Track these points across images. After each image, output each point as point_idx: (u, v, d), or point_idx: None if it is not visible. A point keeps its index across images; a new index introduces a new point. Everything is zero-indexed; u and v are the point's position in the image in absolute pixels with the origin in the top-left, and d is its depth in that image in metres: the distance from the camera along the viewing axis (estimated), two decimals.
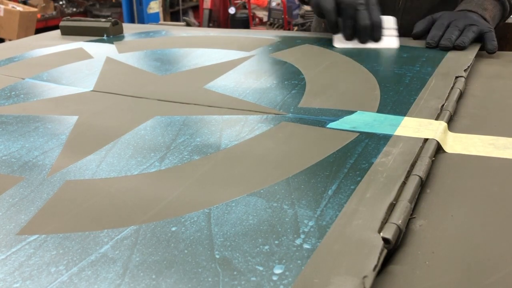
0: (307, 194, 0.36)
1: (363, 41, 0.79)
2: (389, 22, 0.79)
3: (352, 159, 0.41)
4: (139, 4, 4.42)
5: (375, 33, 0.77)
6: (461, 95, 0.56)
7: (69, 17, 1.06)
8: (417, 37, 0.83)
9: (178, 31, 1.02)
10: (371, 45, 0.79)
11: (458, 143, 0.44)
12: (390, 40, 0.79)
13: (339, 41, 0.80)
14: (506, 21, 0.92)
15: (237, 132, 0.48)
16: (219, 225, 0.32)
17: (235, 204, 0.35)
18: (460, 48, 0.75)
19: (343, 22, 0.78)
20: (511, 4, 0.85)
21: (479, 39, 0.77)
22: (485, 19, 0.80)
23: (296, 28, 3.87)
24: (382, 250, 0.28)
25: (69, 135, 0.49)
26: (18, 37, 3.32)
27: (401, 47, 0.77)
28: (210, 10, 3.89)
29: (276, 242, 0.30)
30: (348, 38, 0.79)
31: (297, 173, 0.39)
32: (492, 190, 0.37)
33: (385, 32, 0.78)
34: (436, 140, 0.43)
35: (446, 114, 0.49)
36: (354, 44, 0.79)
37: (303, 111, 0.52)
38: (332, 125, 0.48)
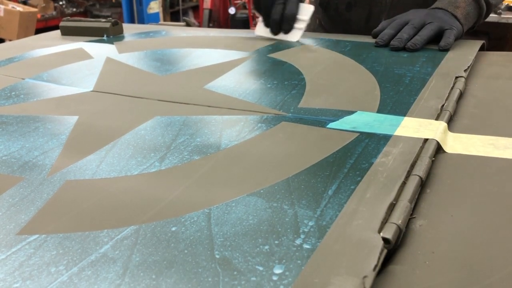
0: (307, 194, 0.36)
1: (272, 31, 0.86)
2: (305, 13, 0.85)
3: (352, 159, 0.41)
4: (139, 4, 4.42)
5: (284, 26, 0.84)
6: (461, 95, 0.56)
7: (69, 17, 1.06)
8: (375, 35, 0.83)
9: (178, 31, 1.02)
10: (277, 37, 0.87)
11: (458, 143, 0.45)
12: (295, 33, 0.85)
13: (260, 28, 0.89)
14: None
15: (237, 132, 0.48)
16: (219, 225, 0.32)
17: (235, 204, 0.35)
18: (411, 50, 0.74)
19: (262, 11, 0.86)
20: (487, 2, 0.83)
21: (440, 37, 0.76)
22: (456, 17, 0.79)
23: None
24: (382, 250, 0.28)
25: (69, 135, 0.49)
26: (18, 37, 3.31)
27: None
28: (210, 10, 3.89)
29: (276, 242, 0.30)
30: (267, 26, 0.87)
31: (297, 173, 0.39)
32: (492, 190, 0.37)
33: (297, 23, 0.85)
34: (436, 140, 0.43)
35: (446, 114, 0.49)
36: (268, 34, 0.87)
37: (303, 111, 0.52)
38: (332, 125, 0.48)
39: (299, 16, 0.85)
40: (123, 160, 0.43)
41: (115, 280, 0.28)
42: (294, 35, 0.86)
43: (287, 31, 0.85)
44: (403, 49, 0.76)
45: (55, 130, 0.51)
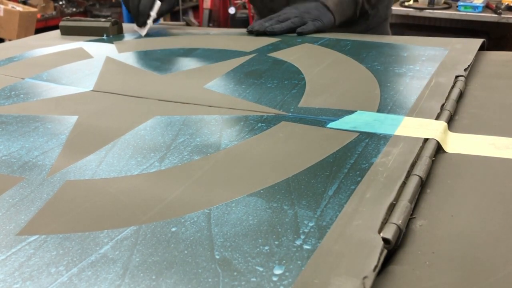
0: (307, 194, 0.36)
1: (137, 24, 0.94)
2: (155, 9, 0.93)
3: (352, 159, 0.41)
4: None
5: (138, 20, 0.93)
6: (461, 95, 0.56)
7: (69, 17, 1.06)
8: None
9: (178, 31, 1.02)
10: (140, 31, 0.95)
11: (458, 143, 0.44)
12: (144, 28, 0.94)
13: (136, 28, 0.97)
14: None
15: (237, 132, 0.48)
16: (219, 226, 0.32)
17: (235, 204, 0.35)
18: (270, 32, 0.88)
19: (124, 4, 0.95)
20: None
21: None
22: (327, 8, 0.92)
23: None
24: (382, 250, 0.28)
25: (69, 135, 0.49)
26: (18, 37, 3.31)
27: (402, 46, 0.77)
28: (210, 10, 3.89)
29: (276, 242, 0.30)
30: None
31: (297, 173, 0.39)
32: (492, 190, 0.37)
33: (150, 18, 0.93)
34: (436, 140, 0.43)
35: (446, 114, 0.49)
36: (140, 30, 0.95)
37: (303, 111, 0.52)
38: (332, 125, 0.48)
39: (151, 12, 0.92)
40: (123, 160, 0.43)
41: (115, 280, 0.28)
42: (143, 30, 0.94)
43: (141, 24, 0.94)
44: (264, 33, 0.88)
45: (55, 130, 0.51)
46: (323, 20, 0.90)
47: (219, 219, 0.33)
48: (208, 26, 3.81)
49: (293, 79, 0.63)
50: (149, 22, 0.93)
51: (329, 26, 0.92)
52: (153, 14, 0.93)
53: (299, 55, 0.75)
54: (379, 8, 1.07)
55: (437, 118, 0.48)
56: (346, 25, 0.96)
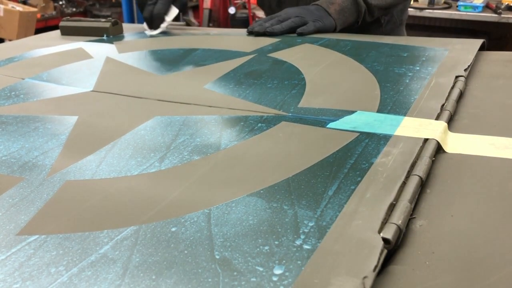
0: (307, 194, 0.36)
1: (149, 27, 0.98)
2: (170, 14, 0.97)
3: (352, 159, 0.41)
4: None
5: (153, 24, 0.96)
6: (461, 95, 0.56)
7: (69, 17, 1.06)
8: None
9: (178, 31, 1.02)
10: (151, 32, 0.98)
11: (458, 143, 0.44)
12: (155, 30, 0.98)
13: (146, 27, 1.00)
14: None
15: (237, 132, 0.48)
16: (219, 226, 0.32)
17: (235, 204, 0.35)
18: (269, 33, 0.88)
19: (139, 8, 0.99)
20: (366, 1, 0.92)
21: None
22: (328, 13, 0.91)
23: None
24: (382, 251, 0.28)
25: (69, 135, 0.49)
26: (18, 37, 3.31)
27: (402, 46, 0.77)
28: (210, 10, 3.89)
29: (276, 242, 0.30)
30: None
31: (297, 173, 0.39)
32: (492, 190, 0.37)
33: (165, 22, 0.97)
34: (436, 140, 0.43)
35: (446, 114, 0.49)
36: (147, 29, 0.99)
37: (303, 111, 0.52)
38: (332, 125, 0.48)
39: (166, 17, 0.96)
40: (123, 160, 0.43)
41: (115, 280, 0.28)
42: (153, 31, 0.97)
43: (155, 28, 0.97)
44: (264, 34, 0.88)
45: (55, 130, 0.51)
46: (324, 21, 0.90)
47: (219, 219, 0.33)
48: (208, 26, 3.81)
49: (293, 79, 0.63)
50: (163, 26, 0.96)
51: (330, 30, 0.92)
52: (169, 19, 0.96)
53: (299, 55, 0.75)
54: (393, 14, 1.05)
55: (437, 118, 0.48)
56: (357, 32, 0.96)
